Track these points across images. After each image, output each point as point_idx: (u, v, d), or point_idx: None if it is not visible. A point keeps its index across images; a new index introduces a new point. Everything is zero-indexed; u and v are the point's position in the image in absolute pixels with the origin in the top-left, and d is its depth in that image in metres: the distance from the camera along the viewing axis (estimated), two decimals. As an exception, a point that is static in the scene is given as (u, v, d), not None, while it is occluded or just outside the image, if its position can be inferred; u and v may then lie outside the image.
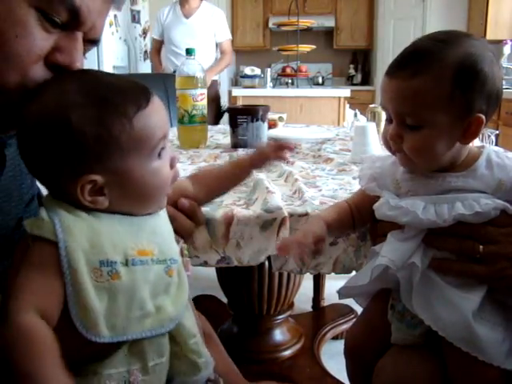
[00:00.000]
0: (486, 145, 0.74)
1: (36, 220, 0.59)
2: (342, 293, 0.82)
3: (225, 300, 1.60)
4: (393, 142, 0.72)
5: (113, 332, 0.58)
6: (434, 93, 0.66)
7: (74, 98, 0.58)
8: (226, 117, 3.29)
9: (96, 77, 0.63)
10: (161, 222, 0.68)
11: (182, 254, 0.71)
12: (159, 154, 0.63)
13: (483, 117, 0.67)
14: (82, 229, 0.59)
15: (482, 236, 0.69)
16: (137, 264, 0.60)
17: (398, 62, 0.70)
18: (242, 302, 1.50)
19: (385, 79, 0.71)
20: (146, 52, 4.33)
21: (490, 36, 4.73)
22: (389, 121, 0.73)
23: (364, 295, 0.87)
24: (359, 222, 0.82)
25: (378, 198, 0.76)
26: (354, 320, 1.72)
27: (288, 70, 4.51)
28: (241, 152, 1.46)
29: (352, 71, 6.50)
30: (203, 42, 3.50)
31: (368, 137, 1.30)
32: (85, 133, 0.57)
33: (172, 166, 0.66)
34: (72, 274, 0.56)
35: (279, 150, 0.80)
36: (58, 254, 0.56)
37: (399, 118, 0.70)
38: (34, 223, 0.59)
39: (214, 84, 3.61)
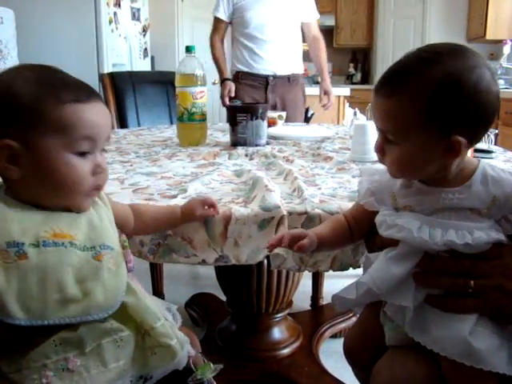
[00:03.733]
0: (481, 159, 0.73)
1: None
2: (337, 304, 0.81)
3: (224, 298, 1.60)
4: (377, 154, 0.74)
5: (28, 314, 0.58)
6: (407, 114, 0.66)
7: (24, 74, 0.65)
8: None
9: (52, 68, 0.68)
10: (88, 213, 0.69)
11: (122, 246, 0.72)
12: (82, 154, 0.66)
13: (462, 139, 0.66)
14: None
15: (473, 271, 0.69)
16: (49, 245, 0.61)
17: (382, 79, 0.70)
18: (240, 300, 1.50)
19: (372, 95, 0.72)
20: (145, 50, 4.32)
21: (489, 36, 4.73)
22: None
23: (358, 305, 0.86)
24: (358, 233, 0.82)
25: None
26: (352, 321, 1.73)
27: (288, 69, 4.50)
28: (240, 150, 1.45)
29: (352, 70, 6.50)
30: (289, 23, 2.72)
31: (367, 135, 1.30)
32: (18, 97, 0.62)
33: (94, 172, 0.68)
34: None
35: (203, 206, 0.84)
36: None
37: (382, 133, 0.72)
38: None
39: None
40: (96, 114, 0.67)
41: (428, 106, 0.65)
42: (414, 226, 0.69)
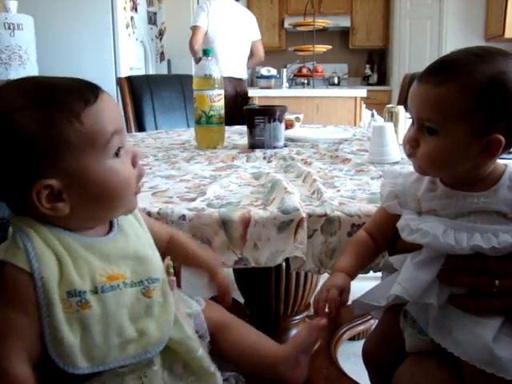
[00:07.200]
0: (509, 163, 0.71)
1: (9, 246, 0.57)
2: (357, 308, 0.80)
3: (242, 300, 1.61)
4: (409, 145, 0.72)
5: (91, 362, 0.57)
6: (455, 104, 0.65)
7: (16, 102, 0.55)
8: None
9: (37, 80, 0.60)
10: (132, 241, 0.65)
11: (167, 272, 0.71)
12: (117, 153, 0.60)
13: (502, 139, 0.65)
14: (51, 258, 0.57)
15: (497, 270, 0.68)
16: (107, 291, 0.58)
17: (429, 69, 0.69)
18: (258, 302, 1.50)
19: (414, 84, 0.71)
20: (162, 53, 4.35)
21: (508, 35, 4.67)
22: (413, 124, 0.73)
23: (379, 309, 0.86)
24: (383, 242, 0.80)
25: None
26: (371, 324, 1.72)
27: (304, 71, 4.50)
28: (258, 153, 1.46)
29: (368, 71, 6.47)
30: None
31: (386, 137, 1.30)
32: (31, 134, 0.54)
33: (134, 163, 0.64)
34: (48, 305, 0.55)
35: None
36: (34, 284, 0.55)
37: (419, 123, 0.70)
38: (7, 249, 0.57)
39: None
40: (109, 107, 0.60)
41: (477, 99, 0.64)
42: (439, 230, 0.68)
